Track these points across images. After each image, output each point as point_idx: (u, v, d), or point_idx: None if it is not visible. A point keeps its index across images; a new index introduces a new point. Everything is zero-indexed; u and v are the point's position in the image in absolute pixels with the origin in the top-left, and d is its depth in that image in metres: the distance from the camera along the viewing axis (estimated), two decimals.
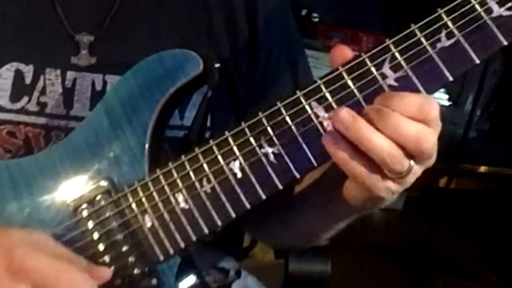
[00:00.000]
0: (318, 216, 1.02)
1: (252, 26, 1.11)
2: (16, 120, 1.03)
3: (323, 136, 0.80)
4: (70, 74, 1.04)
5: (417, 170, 0.81)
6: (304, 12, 3.01)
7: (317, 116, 0.81)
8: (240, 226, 1.19)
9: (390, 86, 0.79)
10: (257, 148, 0.84)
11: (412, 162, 0.78)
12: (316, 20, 3.05)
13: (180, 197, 0.87)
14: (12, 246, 0.81)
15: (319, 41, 2.94)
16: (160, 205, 0.88)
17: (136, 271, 0.89)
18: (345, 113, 0.78)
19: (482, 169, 2.89)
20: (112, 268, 0.89)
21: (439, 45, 0.78)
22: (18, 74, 1.03)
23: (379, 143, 0.77)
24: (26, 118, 1.03)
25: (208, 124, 1.05)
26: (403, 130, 0.76)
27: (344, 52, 0.82)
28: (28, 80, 1.03)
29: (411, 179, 0.81)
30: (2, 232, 0.84)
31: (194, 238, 0.87)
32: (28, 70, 1.04)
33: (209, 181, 0.86)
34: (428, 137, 0.77)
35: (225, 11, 1.11)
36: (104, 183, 0.91)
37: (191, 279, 0.94)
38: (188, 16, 1.10)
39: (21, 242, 0.82)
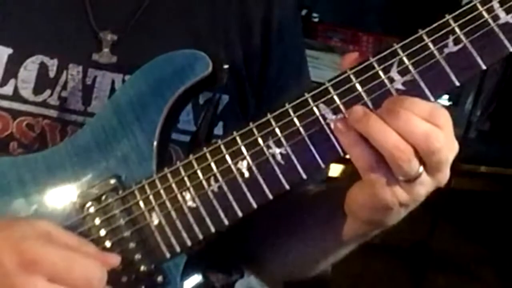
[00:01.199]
0: (318, 237, 1.01)
1: (266, 36, 1.13)
2: (36, 113, 1.04)
3: (333, 120, 0.81)
4: (91, 72, 1.06)
5: (427, 181, 0.80)
6: (304, 12, 3.00)
7: (324, 118, 0.82)
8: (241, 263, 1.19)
9: (397, 90, 0.80)
10: (264, 149, 0.84)
11: (421, 168, 0.78)
12: (316, 20, 3.04)
13: (187, 196, 0.87)
14: (21, 240, 0.81)
15: (319, 41, 2.93)
16: (168, 203, 0.88)
17: (142, 268, 0.89)
18: (357, 107, 0.78)
19: (482, 169, 2.88)
20: (119, 264, 0.88)
21: (446, 51, 0.78)
22: (43, 67, 1.05)
23: (388, 136, 0.76)
24: (46, 111, 1.04)
25: (221, 132, 1.06)
26: (413, 126, 0.76)
27: (355, 59, 0.82)
28: (52, 74, 1.05)
29: (420, 190, 0.80)
30: (10, 226, 0.84)
31: (200, 236, 0.87)
32: (52, 64, 1.05)
33: (216, 180, 0.86)
34: (438, 137, 0.76)
35: (242, 20, 1.12)
36: (111, 180, 0.91)
37: (197, 277, 0.94)
38: (208, 23, 1.11)
39: (29, 234, 0.82)
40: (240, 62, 1.11)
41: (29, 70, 1.04)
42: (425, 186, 0.80)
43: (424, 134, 0.76)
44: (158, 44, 1.06)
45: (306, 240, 1.04)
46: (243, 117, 1.11)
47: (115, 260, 0.87)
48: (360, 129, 0.78)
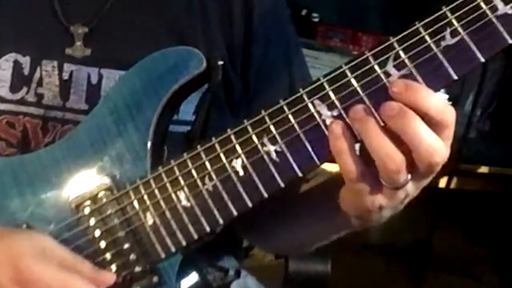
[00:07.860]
0: (313, 225, 1.02)
1: (247, 25, 1.11)
2: (15, 111, 1.04)
3: (330, 124, 0.79)
4: (67, 67, 1.05)
5: (410, 188, 0.80)
6: (304, 12, 3.01)
7: (320, 114, 0.80)
8: (237, 231, 1.19)
9: None
10: (259, 146, 0.83)
11: (409, 176, 0.77)
12: (316, 20, 3.05)
13: (182, 195, 0.86)
14: (18, 255, 0.82)
15: (319, 41, 2.93)
16: (162, 202, 0.87)
17: (137, 268, 0.89)
18: (359, 107, 0.77)
19: (482, 169, 2.88)
20: (114, 265, 0.89)
21: (443, 43, 0.77)
22: (17, 65, 1.05)
23: (384, 143, 0.75)
24: (25, 108, 1.04)
25: None
26: (419, 140, 0.74)
27: None
28: (26, 71, 1.05)
29: (401, 195, 0.80)
30: (7, 238, 0.85)
31: (195, 235, 0.87)
32: (25, 62, 1.05)
33: (211, 179, 0.85)
34: (441, 153, 0.75)
35: (222, 7, 1.11)
36: (106, 180, 0.90)
37: (193, 277, 0.94)
38: (183, 11, 1.10)
39: (27, 250, 0.83)
40: (222, 49, 1.10)
41: (3, 69, 1.04)
42: (407, 191, 0.80)
43: (429, 150, 0.75)
44: (132, 33, 1.07)
45: (299, 227, 1.06)
46: (227, 106, 1.11)
47: (109, 278, 0.87)
48: (358, 129, 0.77)
